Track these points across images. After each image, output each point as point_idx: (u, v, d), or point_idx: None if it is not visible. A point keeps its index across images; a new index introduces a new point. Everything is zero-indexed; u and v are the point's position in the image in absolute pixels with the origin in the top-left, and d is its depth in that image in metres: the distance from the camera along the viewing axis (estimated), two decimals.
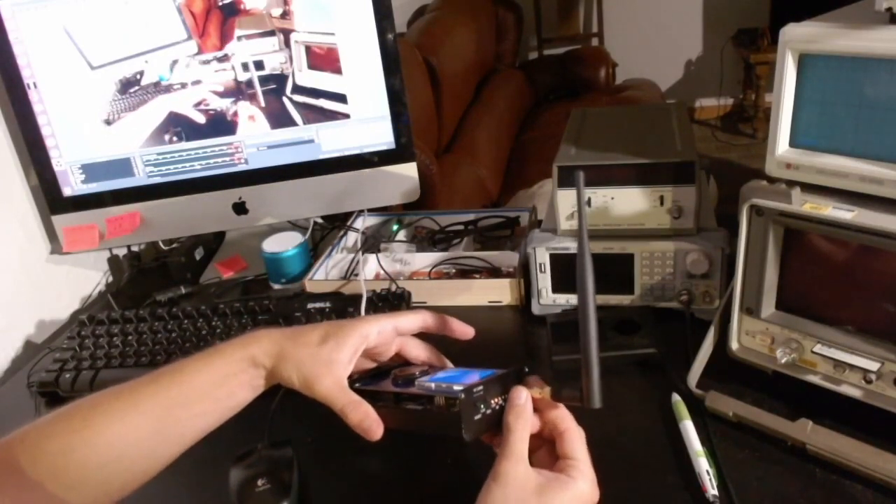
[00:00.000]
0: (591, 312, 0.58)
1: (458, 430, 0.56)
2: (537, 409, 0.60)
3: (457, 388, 0.58)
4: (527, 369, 0.62)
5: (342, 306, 0.99)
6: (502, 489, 0.54)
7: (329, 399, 0.62)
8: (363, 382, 0.65)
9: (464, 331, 0.70)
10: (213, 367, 0.63)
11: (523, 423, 0.58)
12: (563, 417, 0.59)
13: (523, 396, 0.59)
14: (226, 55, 1.09)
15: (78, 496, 0.58)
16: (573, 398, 0.58)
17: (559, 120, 2.42)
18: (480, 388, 0.58)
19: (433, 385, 0.61)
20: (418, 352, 0.70)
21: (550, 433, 0.60)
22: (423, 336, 0.71)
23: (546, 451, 0.60)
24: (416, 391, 0.61)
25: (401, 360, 0.71)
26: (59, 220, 1.14)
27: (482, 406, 0.58)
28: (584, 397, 0.57)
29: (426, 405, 0.59)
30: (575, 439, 0.58)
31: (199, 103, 1.11)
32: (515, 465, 0.55)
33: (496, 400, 0.60)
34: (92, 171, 1.12)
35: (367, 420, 0.61)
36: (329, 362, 0.62)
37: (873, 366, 0.69)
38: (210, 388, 0.62)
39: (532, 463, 0.57)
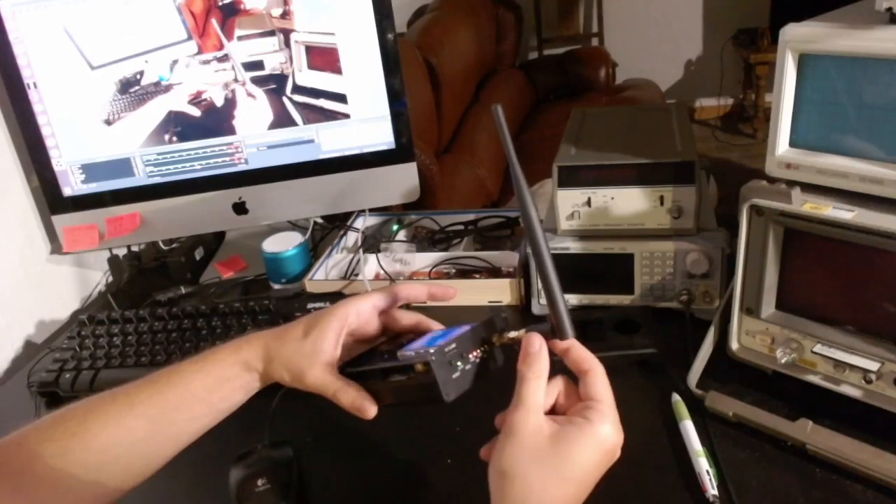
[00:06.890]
0: (544, 246, 0.55)
1: (438, 394, 0.55)
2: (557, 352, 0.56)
3: (431, 350, 0.57)
4: (504, 314, 0.61)
5: None
6: (515, 442, 0.51)
7: (320, 388, 0.63)
8: (353, 366, 0.66)
9: (445, 293, 0.70)
10: (208, 371, 0.64)
11: (536, 371, 0.54)
12: (585, 359, 0.55)
13: (536, 344, 0.55)
14: (226, 55, 1.09)
15: (75, 498, 0.58)
16: (545, 336, 0.57)
17: (559, 120, 2.42)
18: (453, 345, 0.57)
19: (412, 353, 0.60)
20: (405, 323, 0.70)
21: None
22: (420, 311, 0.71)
23: (568, 396, 0.56)
24: (398, 363, 0.61)
25: (392, 336, 0.70)
26: (59, 220, 1.14)
27: (459, 363, 0.57)
28: (556, 334, 0.56)
29: (409, 374, 0.59)
30: (596, 379, 0.54)
31: (199, 103, 1.11)
32: (526, 415, 0.52)
33: (475, 353, 0.58)
34: (92, 171, 1.12)
35: (358, 399, 0.61)
36: (314, 353, 0.63)
37: (873, 366, 0.69)
38: (205, 393, 0.63)
39: (555, 411, 0.55)
